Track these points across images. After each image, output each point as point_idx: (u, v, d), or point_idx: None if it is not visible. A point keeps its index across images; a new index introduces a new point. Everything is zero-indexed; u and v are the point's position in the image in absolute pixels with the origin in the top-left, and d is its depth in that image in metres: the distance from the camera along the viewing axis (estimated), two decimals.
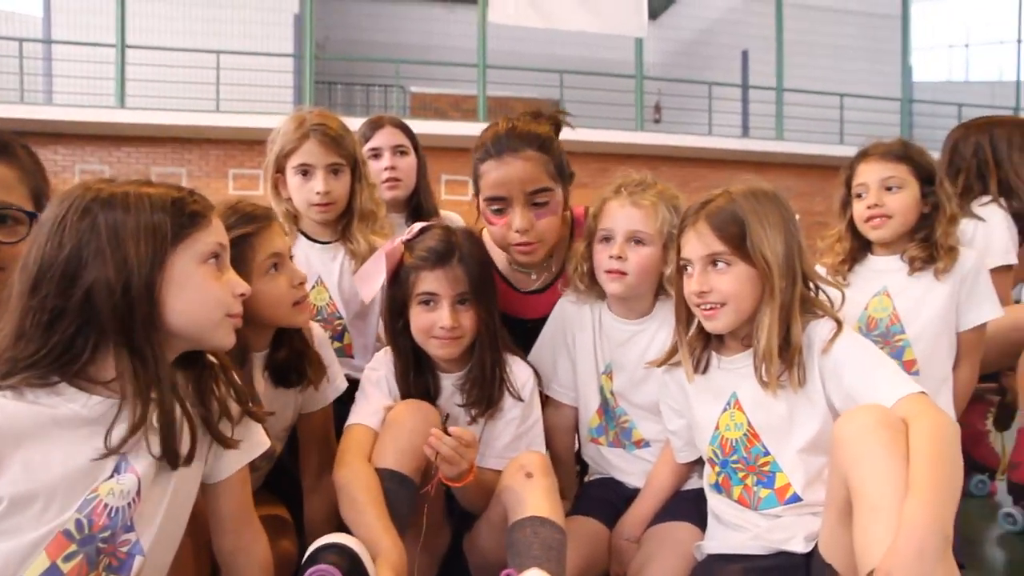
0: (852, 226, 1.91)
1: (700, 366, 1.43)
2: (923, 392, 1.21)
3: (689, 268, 1.37)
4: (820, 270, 1.79)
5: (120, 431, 0.97)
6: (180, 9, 10.11)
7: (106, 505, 0.98)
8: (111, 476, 0.99)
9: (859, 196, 1.87)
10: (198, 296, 1.02)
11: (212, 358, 1.13)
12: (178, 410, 1.04)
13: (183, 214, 1.01)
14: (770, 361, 1.31)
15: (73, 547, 0.95)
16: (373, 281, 1.52)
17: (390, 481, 1.33)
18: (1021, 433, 2.07)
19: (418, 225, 1.56)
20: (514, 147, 1.59)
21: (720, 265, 1.34)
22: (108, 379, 0.98)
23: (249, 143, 9.41)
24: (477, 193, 1.69)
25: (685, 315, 1.43)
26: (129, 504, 1.00)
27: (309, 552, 1.17)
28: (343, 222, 1.82)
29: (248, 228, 1.36)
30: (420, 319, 1.47)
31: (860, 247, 1.92)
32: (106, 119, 9.12)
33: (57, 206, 0.98)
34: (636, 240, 1.55)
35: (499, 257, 1.83)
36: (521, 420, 1.54)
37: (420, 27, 12.95)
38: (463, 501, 1.48)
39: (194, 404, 1.09)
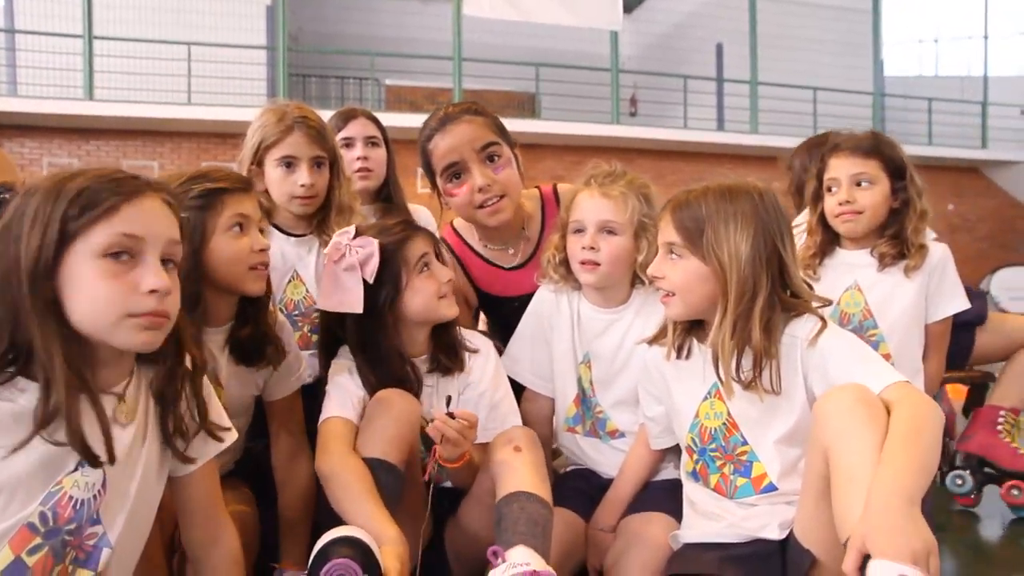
0: (822, 219, 1.91)
1: (683, 351, 1.44)
2: (907, 381, 1.23)
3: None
4: None
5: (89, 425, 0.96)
6: None
7: (71, 497, 0.96)
8: (75, 469, 0.97)
9: (830, 190, 1.87)
10: (88, 295, 0.96)
11: (188, 364, 1.10)
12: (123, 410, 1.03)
13: (82, 204, 0.95)
14: (725, 360, 1.32)
15: (38, 540, 0.94)
16: (354, 293, 1.49)
17: (378, 470, 1.33)
18: (976, 415, 2.19)
19: (351, 228, 1.54)
20: (454, 117, 1.74)
21: (674, 256, 1.36)
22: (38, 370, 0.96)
23: (222, 136, 9.29)
24: (433, 180, 1.78)
25: None
26: (95, 496, 0.98)
27: (318, 548, 1.16)
28: (320, 215, 1.81)
29: (220, 184, 1.38)
30: (427, 285, 1.50)
31: (829, 240, 1.93)
32: (74, 111, 8.95)
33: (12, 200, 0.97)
34: (608, 230, 1.57)
35: (476, 240, 1.88)
36: (492, 392, 1.56)
37: (395, 19, 12.85)
38: (455, 480, 1.49)
39: (161, 399, 1.07)
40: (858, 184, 1.83)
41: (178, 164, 9.57)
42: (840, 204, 1.84)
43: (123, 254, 0.97)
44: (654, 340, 1.49)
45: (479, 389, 1.56)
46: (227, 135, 9.66)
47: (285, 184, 1.75)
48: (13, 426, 0.93)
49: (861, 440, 1.12)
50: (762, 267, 1.31)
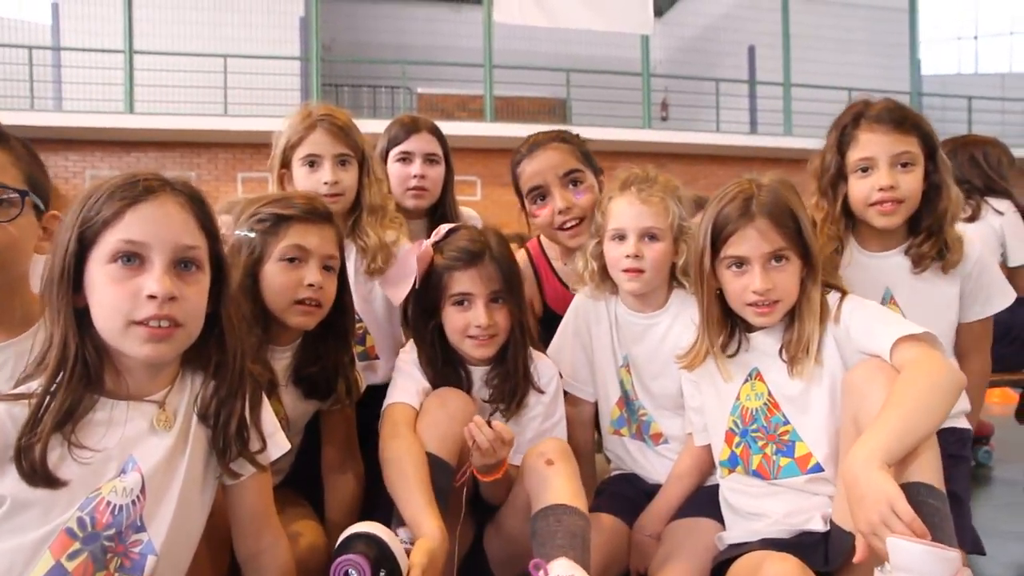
0: (845, 207, 1.61)
1: (729, 350, 1.44)
2: (921, 334, 1.26)
3: (743, 266, 1.36)
4: None
5: (129, 432, 1.00)
6: (186, 14, 10.13)
7: (108, 503, 0.97)
8: (117, 476, 0.99)
9: (863, 171, 1.56)
10: (97, 299, 0.98)
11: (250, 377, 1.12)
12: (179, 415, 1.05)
13: (95, 212, 0.98)
14: (811, 344, 1.34)
15: (76, 545, 0.95)
16: (403, 284, 1.54)
17: (430, 465, 1.34)
18: None
19: (445, 227, 1.57)
20: (543, 142, 1.86)
21: (781, 261, 1.35)
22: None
23: (257, 146, 9.41)
24: (523, 202, 1.88)
25: (720, 312, 1.42)
26: (134, 502, 0.99)
27: (339, 541, 1.17)
28: (352, 217, 1.78)
29: (287, 211, 1.38)
30: (455, 320, 1.49)
31: (848, 234, 1.64)
32: (115, 124, 9.16)
33: None
34: (650, 236, 1.56)
35: (556, 257, 1.96)
36: (545, 417, 1.56)
37: (426, 28, 12.93)
38: (488, 495, 1.49)
39: (204, 416, 1.08)
40: (902, 165, 1.53)
41: (215, 175, 9.73)
42: (881, 190, 1.52)
43: (132, 259, 0.97)
44: (694, 363, 1.46)
45: (531, 413, 1.56)
46: (262, 145, 9.73)
47: (309, 183, 1.72)
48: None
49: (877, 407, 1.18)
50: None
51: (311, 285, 1.38)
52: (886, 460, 1.09)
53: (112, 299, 0.97)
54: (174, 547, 1.05)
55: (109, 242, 0.97)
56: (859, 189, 1.56)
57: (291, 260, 1.38)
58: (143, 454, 1.01)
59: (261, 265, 1.37)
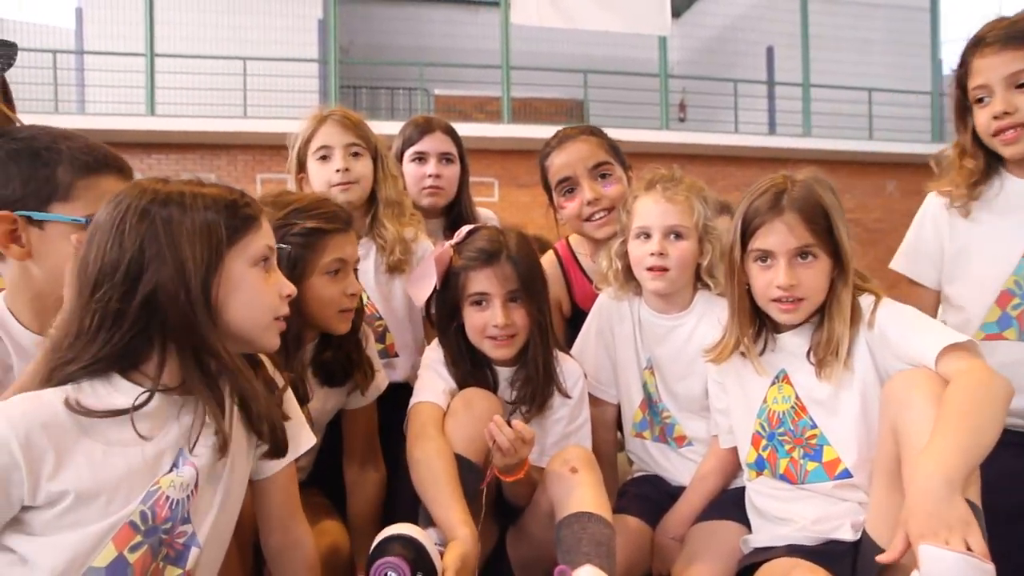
0: (976, 137, 1.48)
1: (758, 349, 1.42)
2: (966, 343, 1.21)
3: (768, 260, 1.35)
4: (940, 201, 1.57)
5: (184, 427, 1.01)
6: (207, 17, 10.23)
7: (168, 497, 1.00)
8: (171, 470, 1.01)
9: (980, 101, 1.44)
10: (251, 299, 1.04)
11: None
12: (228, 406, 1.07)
13: (236, 216, 1.03)
14: (840, 347, 1.31)
15: (139, 538, 0.97)
16: (425, 285, 1.55)
17: (459, 467, 1.35)
18: None
19: (466, 228, 1.58)
20: (571, 135, 1.88)
21: (808, 258, 1.33)
22: (162, 375, 1.00)
23: (276, 148, 9.35)
24: (550, 195, 1.87)
25: (749, 307, 1.40)
26: (188, 497, 1.02)
27: (375, 544, 1.18)
28: (370, 213, 1.81)
29: (328, 225, 1.40)
30: (474, 319, 1.49)
31: (989, 162, 1.49)
32: (137, 127, 9.26)
33: (114, 208, 0.99)
34: (675, 235, 1.56)
35: (585, 256, 1.96)
36: (569, 420, 1.55)
37: (443, 30, 12.97)
38: (511, 495, 1.49)
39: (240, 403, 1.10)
40: (1020, 86, 1.39)
41: (235, 176, 9.80)
42: (996, 118, 1.40)
43: (267, 262, 1.06)
44: (722, 357, 1.45)
45: (556, 415, 1.55)
46: (281, 147, 9.79)
47: (323, 175, 1.76)
48: (114, 426, 0.96)
49: (926, 415, 1.12)
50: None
51: (353, 294, 1.44)
52: (961, 480, 1.05)
53: (267, 297, 1.06)
54: (215, 540, 1.07)
55: (254, 245, 1.04)
56: (980, 121, 1.45)
57: (335, 272, 1.42)
58: (194, 447, 1.03)
59: (305, 279, 1.38)
